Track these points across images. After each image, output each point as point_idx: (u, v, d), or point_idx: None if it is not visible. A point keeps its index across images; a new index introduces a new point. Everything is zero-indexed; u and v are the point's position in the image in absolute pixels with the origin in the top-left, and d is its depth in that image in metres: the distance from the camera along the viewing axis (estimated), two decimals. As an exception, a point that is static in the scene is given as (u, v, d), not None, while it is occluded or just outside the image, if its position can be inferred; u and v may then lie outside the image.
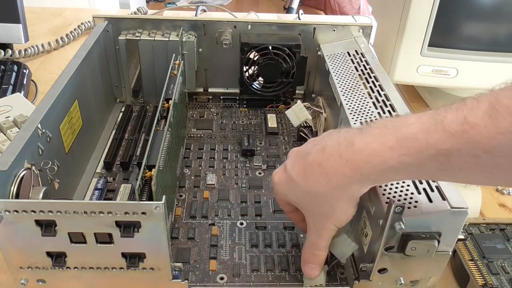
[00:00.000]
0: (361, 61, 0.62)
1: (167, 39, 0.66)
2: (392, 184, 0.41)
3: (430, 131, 0.32)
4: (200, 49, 0.70)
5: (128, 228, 0.38)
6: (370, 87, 0.56)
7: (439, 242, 0.38)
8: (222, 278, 0.45)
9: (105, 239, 0.39)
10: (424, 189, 0.40)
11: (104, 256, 0.40)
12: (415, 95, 0.85)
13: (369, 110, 0.51)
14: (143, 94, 0.73)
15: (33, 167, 0.42)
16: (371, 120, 0.50)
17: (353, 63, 0.62)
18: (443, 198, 0.39)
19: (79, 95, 0.56)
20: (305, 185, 0.38)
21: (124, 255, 0.40)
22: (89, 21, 1.04)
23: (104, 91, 0.68)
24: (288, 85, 0.71)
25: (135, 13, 1.07)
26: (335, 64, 0.63)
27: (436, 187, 0.40)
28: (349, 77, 0.59)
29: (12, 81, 0.78)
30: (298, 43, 0.68)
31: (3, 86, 0.76)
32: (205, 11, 1.11)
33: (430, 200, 0.39)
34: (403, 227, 0.37)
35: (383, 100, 0.53)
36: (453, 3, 0.68)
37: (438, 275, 0.42)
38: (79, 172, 0.58)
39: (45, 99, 0.49)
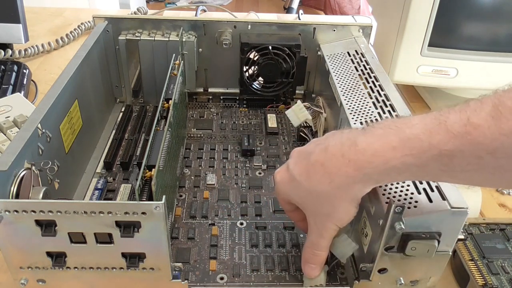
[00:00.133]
0: (361, 61, 0.62)
1: (167, 39, 0.66)
2: (392, 184, 0.41)
3: (433, 132, 0.32)
4: (200, 49, 0.70)
5: (128, 228, 0.38)
6: (370, 87, 0.56)
7: (439, 242, 0.38)
8: (222, 278, 0.45)
9: (105, 239, 0.39)
10: (424, 189, 0.40)
11: (104, 256, 0.40)
12: (415, 95, 0.85)
13: (369, 110, 0.51)
14: (143, 94, 0.73)
15: (33, 167, 0.42)
16: (371, 121, 0.50)
17: (353, 63, 0.62)
18: (443, 198, 0.39)
19: (79, 95, 0.56)
20: (307, 184, 0.38)
21: (124, 255, 0.40)
22: (89, 21, 1.04)
23: (104, 91, 0.68)
24: (288, 85, 0.71)
25: (135, 13, 1.07)
26: (335, 64, 0.63)
27: (436, 187, 0.40)
28: (349, 77, 0.59)
29: (12, 81, 0.78)
30: (298, 43, 0.68)
31: (3, 86, 0.76)
32: (205, 11, 1.11)
33: (430, 200, 0.39)
34: (403, 227, 0.37)
35: (383, 100, 0.53)
36: (453, 3, 0.68)
37: (438, 275, 0.42)
38: (79, 172, 0.58)
39: (45, 99, 0.49)
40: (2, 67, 0.81)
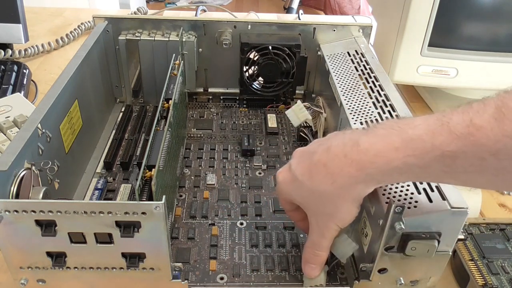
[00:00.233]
0: (361, 61, 0.62)
1: (167, 39, 0.66)
2: (392, 184, 0.41)
3: (436, 133, 0.32)
4: (200, 49, 0.70)
5: (128, 228, 0.38)
6: (370, 87, 0.56)
7: (439, 242, 0.38)
8: (222, 278, 0.45)
9: (105, 239, 0.39)
10: (424, 189, 0.40)
11: (104, 256, 0.40)
12: (415, 95, 0.85)
13: (369, 110, 0.51)
14: (143, 94, 0.73)
15: (33, 167, 0.42)
16: (371, 121, 0.50)
17: (353, 63, 0.62)
18: (443, 198, 0.39)
19: (79, 95, 0.56)
20: (309, 184, 0.38)
21: (124, 255, 0.40)
22: (89, 21, 1.04)
23: (104, 91, 0.68)
24: (288, 85, 0.71)
25: (135, 13, 1.07)
26: (335, 64, 0.63)
27: (436, 187, 0.40)
28: (349, 77, 0.59)
29: (12, 81, 0.78)
30: (298, 43, 0.68)
31: (3, 86, 0.76)
32: (205, 11, 1.11)
33: (430, 200, 0.39)
34: (403, 227, 0.37)
35: (383, 100, 0.53)
36: (453, 3, 0.68)
37: (438, 275, 0.42)
38: (79, 172, 0.58)
39: (45, 99, 0.49)
40: (2, 67, 0.81)
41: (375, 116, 0.50)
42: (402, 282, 0.42)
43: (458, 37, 0.72)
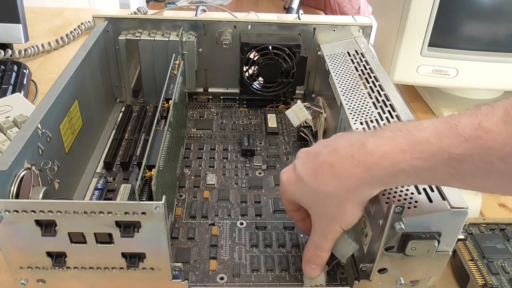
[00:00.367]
0: (361, 61, 0.62)
1: (167, 39, 0.66)
2: (392, 184, 0.41)
3: (443, 136, 0.32)
4: (200, 49, 0.70)
5: (128, 228, 0.38)
6: (370, 87, 0.56)
7: (439, 242, 0.38)
8: (222, 278, 0.45)
9: (105, 239, 0.39)
10: (424, 189, 0.40)
11: (104, 256, 0.40)
12: (415, 95, 0.85)
13: (369, 110, 0.51)
14: (143, 94, 0.73)
15: (33, 167, 0.42)
16: (371, 121, 0.50)
17: (353, 63, 0.62)
18: (443, 198, 0.39)
19: (79, 95, 0.56)
20: (314, 185, 0.38)
21: (124, 255, 0.40)
22: (89, 21, 1.04)
23: (104, 91, 0.68)
24: (288, 85, 0.71)
25: (135, 13, 1.07)
26: (335, 64, 0.63)
27: (436, 187, 0.40)
28: (349, 77, 0.59)
29: (12, 81, 0.78)
30: (298, 43, 0.68)
31: (3, 86, 0.76)
32: (205, 11, 1.11)
33: (430, 200, 0.39)
34: (403, 227, 0.37)
35: (383, 100, 0.53)
36: (453, 3, 0.68)
37: (438, 275, 0.42)
38: (79, 172, 0.58)
39: (45, 99, 0.49)
40: (2, 67, 0.81)
41: (375, 116, 0.50)
42: (402, 282, 0.42)
43: (458, 37, 0.72)
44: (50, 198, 0.42)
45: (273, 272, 0.46)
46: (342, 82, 0.58)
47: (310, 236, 0.43)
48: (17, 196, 0.39)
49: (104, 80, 0.68)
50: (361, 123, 0.50)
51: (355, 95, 0.55)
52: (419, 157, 0.32)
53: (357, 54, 0.64)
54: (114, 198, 0.55)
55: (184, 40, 0.68)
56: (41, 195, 0.40)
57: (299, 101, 0.65)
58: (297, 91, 0.74)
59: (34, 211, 0.36)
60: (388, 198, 0.39)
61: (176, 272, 0.43)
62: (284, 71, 0.70)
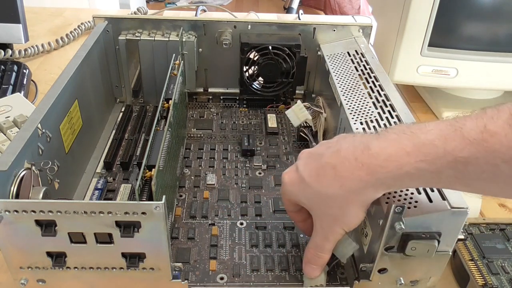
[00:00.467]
0: (361, 61, 0.62)
1: (167, 39, 0.66)
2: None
3: (449, 138, 0.31)
4: (200, 49, 0.70)
5: (128, 228, 0.38)
6: (370, 87, 0.56)
7: (439, 242, 0.38)
8: (222, 278, 0.45)
9: (105, 239, 0.39)
10: (424, 189, 0.40)
11: (104, 256, 0.40)
12: (415, 95, 0.85)
13: (369, 110, 0.51)
14: (143, 94, 0.73)
15: (33, 167, 0.42)
16: (371, 121, 0.50)
17: (353, 63, 0.62)
18: (443, 198, 0.39)
19: (79, 95, 0.56)
20: (317, 186, 0.38)
21: (124, 255, 0.40)
22: (89, 21, 1.04)
23: (104, 91, 0.68)
24: (288, 85, 0.71)
25: (135, 13, 1.07)
26: (335, 64, 0.63)
27: (436, 187, 0.40)
28: (349, 77, 0.59)
29: (12, 81, 0.78)
30: (298, 43, 0.68)
31: (3, 86, 0.76)
32: (205, 11, 1.11)
33: (430, 200, 0.39)
34: (403, 227, 0.37)
35: (383, 100, 0.53)
36: (453, 3, 0.68)
37: (438, 275, 0.42)
38: (79, 172, 0.58)
39: (45, 99, 0.49)
40: (2, 67, 0.81)
41: (375, 116, 0.50)
42: (402, 282, 0.42)
43: (458, 37, 0.72)
44: (50, 198, 0.42)
45: (273, 272, 0.46)
46: (342, 82, 0.58)
47: (312, 237, 0.43)
48: (17, 196, 0.39)
49: (104, 80, 0.68)
50: (361, 123, 0.50)
51: (355, 95, 0.55)
52: (424, 159, 0.32)
53: (357, 54, 0.64)
54: (114, 198, 0.55)
55: (184, 40, 0.68)
56: (41, 195, 0.40)
57: (299, 101, 0.65)
58: (297, 91, 0.74)
59: (34, 211, 0.36)
60: (388, 198, 0.39)
61: (176, 272, 0.43)
62: (284, 71, 0.70)
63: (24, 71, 0.83)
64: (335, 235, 0.40)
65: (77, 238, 0.39)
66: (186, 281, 0.43)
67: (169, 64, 0.59)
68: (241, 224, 0.52)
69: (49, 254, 0.40)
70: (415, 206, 0.38)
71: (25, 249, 0.39)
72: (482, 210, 0.58)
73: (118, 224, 0.38)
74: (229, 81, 0.74)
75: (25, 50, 0.91)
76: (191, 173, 0.60)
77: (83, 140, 0.58)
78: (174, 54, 0.62)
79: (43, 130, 0.46)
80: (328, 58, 0.65)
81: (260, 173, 0.61)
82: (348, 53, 0.65)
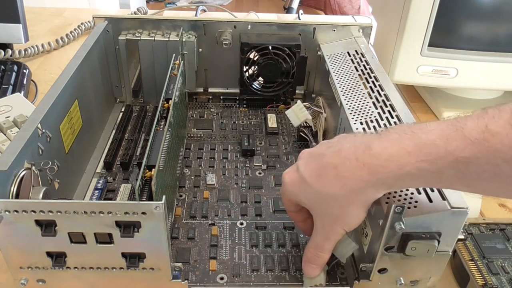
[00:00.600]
0: (361, 61, 0.62)
1: (167, 39, 0.66)
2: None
3: (450, 138, 0.31)
4: (200, 49, 0.70)
5: (128, 228, 0.38)
6: (370, 87, 0.56)
7: (439, 242, 0.38)
8: (222, 278, 0.45)
9: (105, 239, 0.39)
10: (424, 189, 0.40)
11: (104, 256, 0.40)
12: (415, 95, 0.85)
13: (369, 110, 0.51)
14: (143, 94, 0.73)
15: (33, 167, 0.42)
16: (371, 121, 0.50)
17: (353, 63, 0.62)
18: (443, 198, 0.39)
19: (79, 95, 0.56)
20: (317, 186, 0.38)
21: (124, 255, 0.40)
22: (89, 21, 1.04)
23: (104, 91, 0.68)
24: (288, 85, 0.71)
25: (135, 13, 1.07)
26: (335, 64, 0.63)
27: (436, 187, 0.40)
28: (349, 77, 0.59)
29: (12, 81, 0.78)
30: (298, 43, 0.68)
31: (3, 86, 0.76)
32: (205, 11, 1.11)
33: (430, 200, 0.39)
34: (403, 227, 0.37)
35: (383, 100, 0.53)
36: (453, 3, 0.68)
37: (438, 275, 0.42)
38: (79, 172, 0.58)
39: (45, 99, 0.49)
40: (2, 67, 0.81)
41: (375, 116, 0.50)
42: (402, 282, 0.42)
43: (458, 37, 0.72)
44: (50, 198, 0.42)
45: (273, 272, 0.46)
46: (342, 82, 0.58)
47: (312, 236, 0.43)
48: (17, 196, 0.39)
49: (104, 80, 0.68)
50: (361, 123, 0.50)
51: (355, 95, 0.55)
52: (425, 159, 0.32)
53: (357, 54, 0.64)
54: (114, 198, 0.55)
55: (184, 40, 0.68)
56: (41, 195, 0.40)
57: (299, 101, 0.65)
58: (297, 91, 0.74)
59: (34, 211, 0.36)
60: (388, 198, 0.39)
61: (176, 272, 0.43)
62: (284, 71, 0.70)
63: (24, 71, 0.83)
64: (336, 235, 0.40)
65: (77, 238, 0.39)
66: (186, 281, 0.43)
67: (169, 64, 0.59)
68: (241, 224, 0.52)
69: (49, 254, 0.40)
70: (415, 206, 0.38)
71: (25, 249, 0.39)
72: (482, 210, 0.58)
73: (118, 224, 0.38)
74: (229, 81, 0.74)
75: (25, 50, 0.91)
76: (191, 173, 0.60)
77: (83, 140, 0.58)
78: (174, 54, 0.62)
79: (43, 130, 0.46)
80: (328, 58, 0.65)
81: (260, 173, 0.61)
82: (348, 53, 0.65)
